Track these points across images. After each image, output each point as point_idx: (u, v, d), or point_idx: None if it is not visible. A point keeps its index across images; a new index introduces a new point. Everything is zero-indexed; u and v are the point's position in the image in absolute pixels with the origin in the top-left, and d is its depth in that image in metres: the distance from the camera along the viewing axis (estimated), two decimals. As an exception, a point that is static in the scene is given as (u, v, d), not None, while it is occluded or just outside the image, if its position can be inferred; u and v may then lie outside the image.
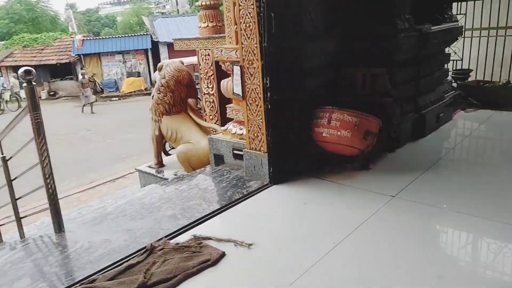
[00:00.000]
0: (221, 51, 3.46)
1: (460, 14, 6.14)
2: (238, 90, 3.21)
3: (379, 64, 3.64)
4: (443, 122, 4.42)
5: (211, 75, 5.59)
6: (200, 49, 5.63)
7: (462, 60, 6.42)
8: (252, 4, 2.81)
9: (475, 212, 2.52)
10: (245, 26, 2.93)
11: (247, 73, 3.07)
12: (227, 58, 3.42)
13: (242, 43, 3.00)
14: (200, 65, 5.72)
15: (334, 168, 3.37)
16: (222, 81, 3.86)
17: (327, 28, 3.56)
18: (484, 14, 6.13)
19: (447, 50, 4.93)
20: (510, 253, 2.14)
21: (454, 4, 6.13)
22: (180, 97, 5.10)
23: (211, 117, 5.83)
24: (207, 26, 5.54)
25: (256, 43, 2.90)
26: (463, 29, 6.20)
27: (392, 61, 3.65)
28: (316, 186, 3.12)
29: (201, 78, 5.76)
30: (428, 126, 4.09)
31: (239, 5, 2.91)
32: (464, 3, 6.16)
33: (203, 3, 5.40)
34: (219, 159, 3.87)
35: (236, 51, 3.22)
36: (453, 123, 4.59)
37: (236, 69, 3.17)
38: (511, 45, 5.83)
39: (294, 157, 3.32)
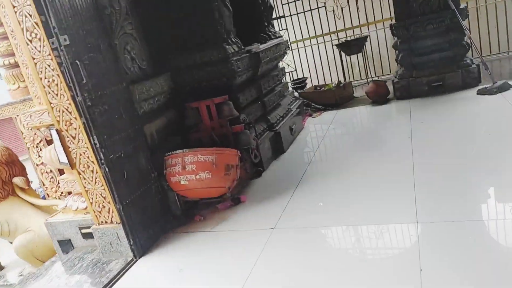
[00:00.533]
0: (30, 116, 2.77)
1: (282, 29, 6.58)
2: (63, 158, 2.58)
3: (221, 91, 3.46)
4: (297, 132, 4.49)
5: (40, 142, 4.67)
6: (18, 115, 4.67)
7: (296, 70, 6.87)
8: (49, 55, 2.26)
9: (354, 221, 2.45)
10: (48, 81, 2.35)
11: (68, 136, 2.47)
12: (40, 123, 2.75)
13: (50, 102, 2.40)
14: (22, 133, 4.74)
15: (205, 214, 3.00)
16: (44, 151, 3.13)
17: (156, 65, 3.21)
18: (302, 26, 6.70)
19: (280, 64, 5.11)
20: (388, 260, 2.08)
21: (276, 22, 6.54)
22: (0, 179, 4.08)
23: (54, 190, 4.86)
24: (19, 87, 4.62)
25: (68, 99, 2.34)
26: (289, 43, 6.66)
27: (233, 86, 3.50)
28: (190, 243, 2.68)
29: (28, 148, 4.77)
30: (285, 141, 4.07)
31: (33, 58, 2.32)
32: (283, 19, 6.63)
33: (5, 62, 4.50)
34: (66, 245, 3.10)
35: (48, 112, 2.59)
36: (305, 131, 4.73)
37: (54, 134, 2.54)
38: (331, 49, 6.47)
39: (157, 217, 2.83)
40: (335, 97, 5.24)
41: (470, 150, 3.06)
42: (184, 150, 2.72)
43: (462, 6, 4.43)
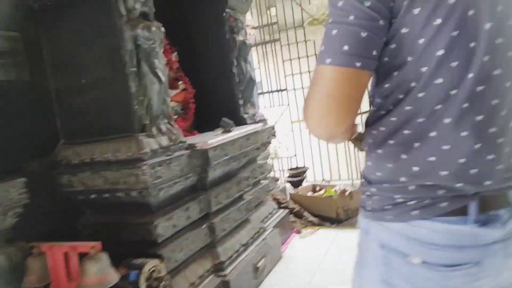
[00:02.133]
0: None
1: (283, 105, 5.28)
2: None
3: (133, 210, 2.04)
4: (266, 270, 2.92)
5: None
6: None
7: (296, 156, 5.43)
8: None
9: None
10: None
11: None
12: None
13: None
14: None
15: None
16: None
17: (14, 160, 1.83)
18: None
19: (265, 156, 3.69)
20: None
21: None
22: None
23: None
24: None
25: None
26: (291, 122, 5.30)
27: (151, 203, 2.06)
28: None
29: None
30: (240, 291, 2.51)
31: None
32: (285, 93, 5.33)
33: None
34: None
35: None
36: (284, 263, 3.14)
37: None
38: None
39: None
40: (337, 209, 3.71)
41: None
42: None
43: None
